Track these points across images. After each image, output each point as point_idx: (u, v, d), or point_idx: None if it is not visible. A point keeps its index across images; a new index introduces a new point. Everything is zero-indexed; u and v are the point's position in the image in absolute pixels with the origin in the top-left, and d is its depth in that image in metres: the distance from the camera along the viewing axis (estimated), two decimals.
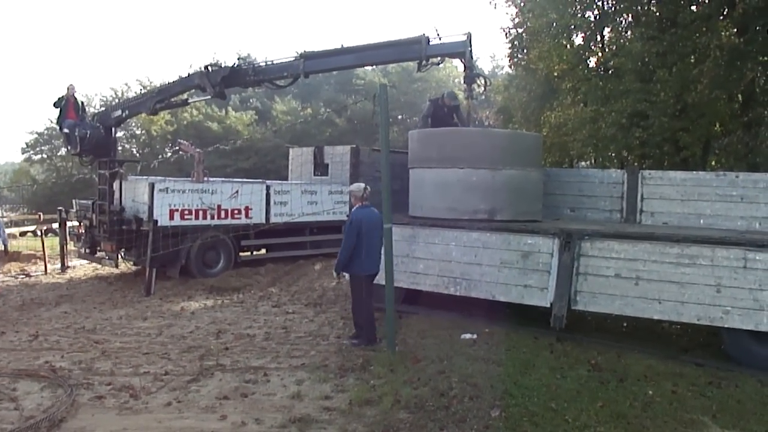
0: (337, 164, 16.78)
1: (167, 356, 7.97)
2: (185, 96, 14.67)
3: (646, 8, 17.78)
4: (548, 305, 8.41)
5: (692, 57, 16.14)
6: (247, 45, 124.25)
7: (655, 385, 6.71)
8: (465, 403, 6.11)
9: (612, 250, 8.20)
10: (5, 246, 17.32)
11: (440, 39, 11.29)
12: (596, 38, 19.48)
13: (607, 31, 19.45)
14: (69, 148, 14.56)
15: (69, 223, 16.32)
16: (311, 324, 9.55)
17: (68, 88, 14.13)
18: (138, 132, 47.34)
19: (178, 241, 13.07)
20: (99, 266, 15.33)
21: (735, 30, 15.83)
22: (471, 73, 11.24)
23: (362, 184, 8.57)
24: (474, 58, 11.69)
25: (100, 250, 14.40)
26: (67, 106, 14.02)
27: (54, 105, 14.11)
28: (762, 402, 6.34)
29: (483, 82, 11.82)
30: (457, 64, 17.98)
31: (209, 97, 13.84)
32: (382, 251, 8.08)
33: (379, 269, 8.32)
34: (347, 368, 7.36)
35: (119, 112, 14.73)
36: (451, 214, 9.67)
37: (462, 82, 11.72)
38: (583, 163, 22.83)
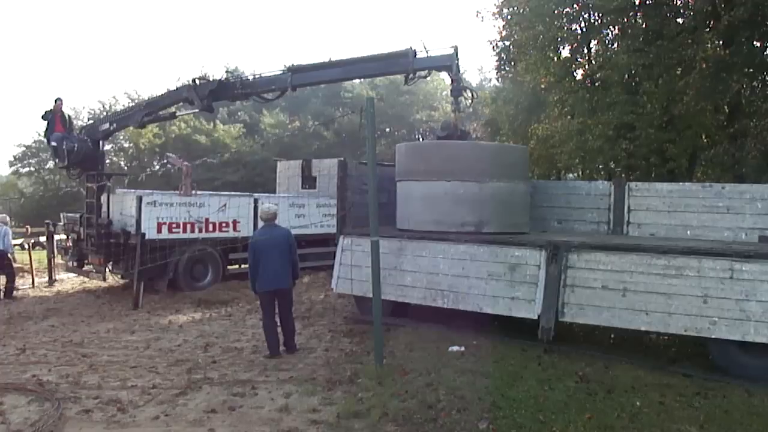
0: (324, 177, 16.79)
1: (155, 370, 7.94)
2: (173, 109, 14.65)
3: (632, 21, 17.88)
4: (536, 317, 8.39)
5: (678, 69, 16.25)
6: (235, 58, 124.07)
7: (643, 396, 6.71)
8: (453, 415, 6.10)
9: (599, 261, 8.21)
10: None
11: (427, 52, 11.33)
12: (583, 51, 19.54)
13: (593, 43, 19.52)
14: (57, 161, 14.55)
15: (56, 237, 16.25)
16: (299, 337, 9.50)
17: (56, 102, 14.11)
18: (126, 145, 47.17)
19: (165, 254, 13.05)
20: (86, 279, 15.28)
21: (721, 42, 15.95)
22: (458, 86, 11.26)
23: (274, 209, 8.96)
24: (461, 71, 11.76)
25: (87, 264, 14.38)
26: (55, 119, 14.02)
27: (42, 118, 14.12)
28: (749, 412, 6.35)
29: (470, 94, 11.84)
30: (444, 76, 18.03)
31: (197, 110, 13.83)
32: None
33: (285, 285, 8.74)
34: (335, 381, 7.35)
35: (107, 125, 14.72)
36: (438, 227, 9.67)
37: (449, 94, 11.73)
38: (570, 175, 22.91)
